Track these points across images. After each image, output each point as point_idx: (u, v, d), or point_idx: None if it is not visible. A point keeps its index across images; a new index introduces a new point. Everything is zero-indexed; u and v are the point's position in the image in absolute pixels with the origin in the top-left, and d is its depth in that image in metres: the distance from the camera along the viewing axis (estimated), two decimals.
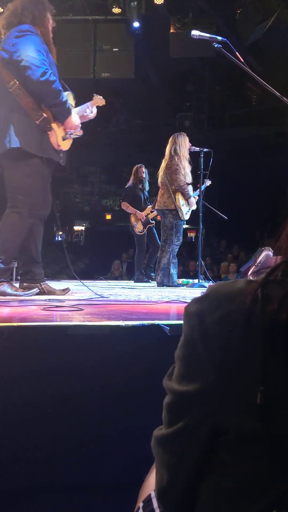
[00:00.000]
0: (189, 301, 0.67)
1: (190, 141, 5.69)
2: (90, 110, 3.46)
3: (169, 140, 5.59)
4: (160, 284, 5.38)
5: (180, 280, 6.57)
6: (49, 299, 2.91)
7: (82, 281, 3.76)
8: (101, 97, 3.59)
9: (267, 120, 12.63)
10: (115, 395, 1.49)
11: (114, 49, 12.17)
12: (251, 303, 0.59)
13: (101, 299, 3.16)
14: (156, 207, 5.69)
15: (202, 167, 5.65)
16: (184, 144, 5.51)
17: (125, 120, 14.20)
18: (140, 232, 7.16)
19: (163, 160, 5.58)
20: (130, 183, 7.30)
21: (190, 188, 5.55)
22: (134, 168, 7.31)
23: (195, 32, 3.55)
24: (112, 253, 12.20)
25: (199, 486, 0.64)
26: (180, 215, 5.41)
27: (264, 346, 0.57)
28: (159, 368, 0.91)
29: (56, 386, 1.46)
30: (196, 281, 5.89)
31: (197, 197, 5.68)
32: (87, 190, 15.65)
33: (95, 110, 3.49)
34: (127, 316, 1.88)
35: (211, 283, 5.83)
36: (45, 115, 3.06)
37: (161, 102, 13.43)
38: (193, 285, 5.65)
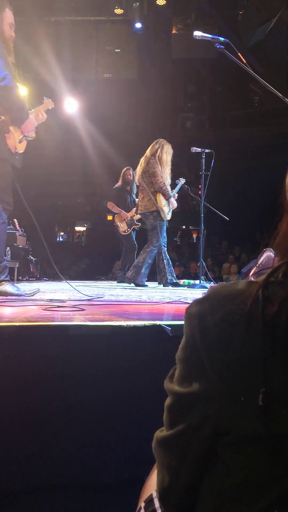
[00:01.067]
0: (190, 301, 0.68)
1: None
2: (41, 113, 3.48)
3: (152, 145, 5.64)
4: (136, 284, 5.48)
5: (182, 281, 6.60)
6: (50, 299, 2.91)
7: (68, 281, 3.81)
8: (50, 100, 3.59)
9: (269, 121, 12.62)
10: (116, 395, 1.49)
11: (116, 50, 12.17)
12: (252, 304, 0.59)
13: (102, 299, 3.16)
14: (138, 212, 5.77)
15: (203, 167, 5.66)
16: (169, 152, 5.58)
17: (127, 120, 14.20)
18: (124, 232, 7.29)
19: (139, 165, 5.66)
20: (118, 184, 7.38)
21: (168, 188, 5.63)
22: (122, 170, 7.38)
23: (197, 33, 3.56)
24: (113, 254, 12.19)
25: (201, 486, 0.64)
26: (162, 216, 5.49)
27: (265, 347, 0.57)
28: (160, 368, 0.92)
29: (58, 386, 1.46)
30: (197, 282, 5.90)
31: (177, 195, 5.87)
32: (89, 191, 15.67)
33: (45, 114, 3.51)
34: (129, 316, 1.88)
35: (212, 284, 5.84)
36: (3, 117, 3.08)
37: (163, 103, 13.42)
38: (194, 286, 5.66)
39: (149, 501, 0.90)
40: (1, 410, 1.42)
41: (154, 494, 0.90)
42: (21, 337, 1.47)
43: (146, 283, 5.66)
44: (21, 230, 8.85)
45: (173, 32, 11.34)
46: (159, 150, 5.51)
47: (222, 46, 3.49)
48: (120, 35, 12.07)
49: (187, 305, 0.68)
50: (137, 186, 5.76)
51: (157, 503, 0.87)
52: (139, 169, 5.63)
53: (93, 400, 1.48)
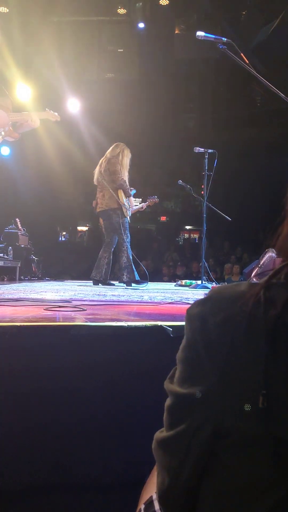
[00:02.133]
0: (192, 302, 0.67)
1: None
2: (32, 119, 3.43)
3: (113, 148, 5.80)
4: (129, 284, 5.56)
5: (183, 281, 6.60)
6: (52, 300, 2.91)
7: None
8: (56, 114, 3.57)
9: (272, 121, 12.61)
10: (117, 395, 1.49)
11: (119, 50, 12.18)
12: (254, 306, 0.59)
13: (104, 299, 3.16)
14: (98, 210, 5.84)
15: (206, 167, 5.67)
16: (129, 156, 5.76)
17: (130, 120, 14.20)
18: None
19: (98, 165, 5.81)
20: None
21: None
22: None
23: (200, 33, 3.56)
24: (115, 254, 12.20)
25: (201, 488, 0.64)
26: (125, 212, 5.60)
27: (267, 349, 0.57)
28: (161, 369, 0.91)
29: (59, 386, 1.46)
30: (199, 282, 5.89)
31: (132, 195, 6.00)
32: (91, 191, 15.63)
33: (37, 121, 3.47)
34: (130, 317, 1.88)
35: (214, 284, 5.84)
36: None
37: (165, 103, 13.42)
38: (196, 286, 5.66)
39: (149, 503, 0.90)
40: (3, 409, 1.42)
41: (154, 496, 0.89)
42: (23, 337, 1.47)
43: (113, 282, 5.90)
44: (23, 230, 8.85)
45: (176, 32, 11.36)
46: (120, 154, 5.68)
47: (225, 47, 3.49)
48: (122, 35, 12.07)
49: (189, 305, 0.67)
50: (96, 186, 5.87)
51: (157, 505, 0.87)
52: (97, 169, 5.78)
53: (94, 401, 1.47)
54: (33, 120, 3.39)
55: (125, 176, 5.67)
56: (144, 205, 6.47)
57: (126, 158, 5.69)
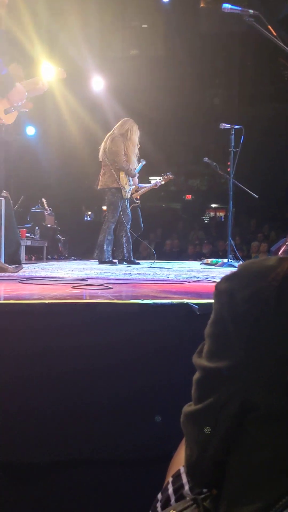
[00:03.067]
0: (218, 280, 0.67)
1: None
2: (42, 82, 3.38)
3: (121, 124, 5.74)
4: (101, 262, 5.64)
5: (209, 260, 6.58)
6: (79, 278, 2.94)
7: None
8: (62, 69, 3.51)
9: None
10: (144, 371, 1.50)
11: (143, 26, 12.00)
12: (283, 280, 0.58)
13: (129, 278, 3.17)
14: (98, 187, 5.86)
15: (233, 144, 5.57)
16: (137, 132, 5.70)
17: (154, 98, 14.04)
18: None
19: (103, 141, 5.76)
20: None
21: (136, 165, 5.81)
22: None
23: (226, 6, 3.48)
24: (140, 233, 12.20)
25: (228, 461, 0.64)
26: (123, 194, 5.62)
27: None
28: (187, 346, 0.91)
29: (85, 362, 1.48)
30: (225, 260, 5.86)
31: (137, 174, 6.11)
32: None
33: (46, 84, 3.41)
34: (156, 295, 1.88)
35: (240, 262, 5.80)
36: None
37: (191, 79, 13.20)
38: (222, 265, 5.63)
39: (177, 476, 0.91)
40: (30, 384, 1.45)
41: (182, 470, 0.91)
42: (50, 314, 1.50)
43: (138, 261, 5.92)
44: (49, 210, 8.91)
45: (201, 5, 11.11)
46: (129, 131, 5.63)
47: (252, 19, 3.40)
48: (146, 10, 11.88)
49: (215, 284, 0.67)
50: (100, 162, 5.87)
51: (184, 478, 0.88)
52: (103, 145, 5.75)
53: (121, 377, 1.49)
54: (43, 83, 3.37)
55: (134, 153, 5.65)
56: (158, 183, 6.44)
57: (135, 135, 5.65)
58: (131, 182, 5.74)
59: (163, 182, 6.58)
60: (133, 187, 5.85)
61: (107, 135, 5.77)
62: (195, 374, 0.68)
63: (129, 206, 6.01)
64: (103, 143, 5.76)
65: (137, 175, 6.14)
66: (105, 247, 5.64)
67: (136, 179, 5.81)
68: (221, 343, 0.63)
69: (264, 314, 0.58)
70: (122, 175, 5.57)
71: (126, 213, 5.82)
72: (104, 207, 7.35)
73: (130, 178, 5.69)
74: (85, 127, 10.45)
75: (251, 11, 3.42)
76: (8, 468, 1.46)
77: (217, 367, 0.62)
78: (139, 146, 5.74)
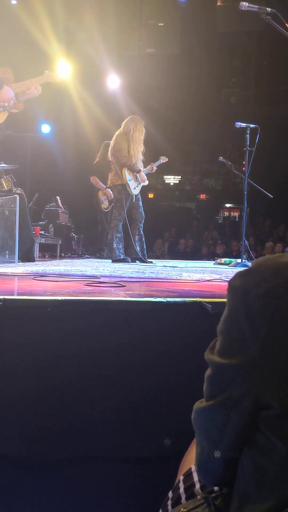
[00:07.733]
0: None
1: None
2: (34, 86, 3.40)
3: (126, 122, 5.73)
4: (114, 261, 5.60)
5: (223, 260, 6.55)
6: (92, 275, 2.95)
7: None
8: (51, 72, 3.52)
9: None
10: (156, 369, 1.50)
11: (159, 24, 11.97)
12: None
13: (143, 276, 3.17)
14: (107, 186, 6.01)
15: (248, 143, 5.54)
16: (142, 131, 5.66)
17: (170, 96, 14.00)
18: (106, 209, 7.38)
19: (112, 141, 5.80)
20: (96, 160, 7.60)
21: (141, 164, 5.76)
22: (103, 144, 7.50)
23: (243, 4, 3.45)
24: (154, 232, 12.19)
25: (240, 460, 0.64)
26: (128, 190, 5.62)
27: None
28: (200, 344, 0.91)
29: (98, 359, 1.48)
30: (239, 260, 5.83)
31: (155, 168, 6.17)
32: None
33: (39, 88, 3.43)
34: (169, 293, 1.88)
35: None
36: None
37: (207, 78, 13.14)
38: (236, 265, 5.60)
39: (188, 474, 0.91)
40: (43, 381, 1.46)
41: (193, 468, 0.90)
42: (64, 310, 1.50)
43: (150, 260, 5.86)
44: (63, 208, 8.94)
45: (218, 4, 11.02)
46: (132, 129, 5.61)
47: (269, 17, 3.37)
48: (163, 8, 11.84)
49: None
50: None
51: (195, 477, 0.87)
52: (111, 144, 5.81)
53: (134, 374, 1.49)
54: (36, 87, 3.39)
55: (138, 151, 5.64)
56: (154, 166, 6.38)
57: (139, 133, 5.62)
58: (138, 179, 5.71)
59: (160, 162, 6.55)
60: (143, 183, 5.82)
61: (115, 134, 5.80)
62: (207, 371, 0.67)
63: (142, 204, 6.02)
64: (111, 142, 5.81)
65: (154, 169, 6.17)
66: (114, 245, 5.63)
67: (143, 175, 5.78)
68: (234, 339, 0.62)
69: (279, 311, 0.57)
70: (125, 171, 5.59)
71: (139, 211, 5.79)
72: (104, 206, 7.42)
73: (136, 174, 5.68)
74: (101, 125, 10.46)
75: (268, 9, 3.39)
76: (22, 462, 1.47)
77: (230, 364, 0.62)
78: (144, 135, 5.70)
